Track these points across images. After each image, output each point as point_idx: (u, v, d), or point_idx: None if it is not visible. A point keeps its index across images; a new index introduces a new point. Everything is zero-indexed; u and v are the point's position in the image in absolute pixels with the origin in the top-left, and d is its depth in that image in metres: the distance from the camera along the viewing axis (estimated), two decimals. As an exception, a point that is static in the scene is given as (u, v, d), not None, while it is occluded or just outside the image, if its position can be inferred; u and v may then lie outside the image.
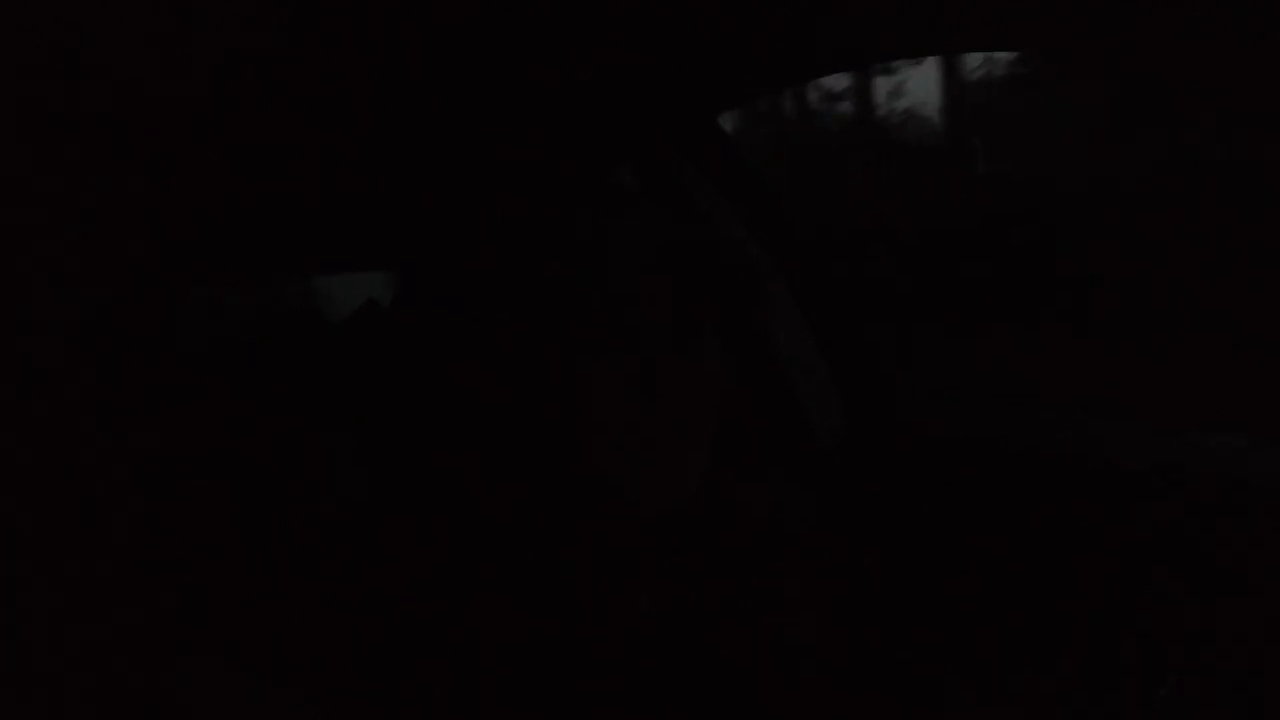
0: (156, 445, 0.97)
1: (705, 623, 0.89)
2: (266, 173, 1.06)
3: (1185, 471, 1.18)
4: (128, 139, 0.86)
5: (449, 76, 0.96)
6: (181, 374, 1.09)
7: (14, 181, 0.81)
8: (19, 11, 0.66)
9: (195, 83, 0.81)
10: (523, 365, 0.91)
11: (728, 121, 1.44)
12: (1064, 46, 1.04)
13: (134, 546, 0.91)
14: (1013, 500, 1.31)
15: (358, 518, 1.06)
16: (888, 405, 1.51)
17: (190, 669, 0.88)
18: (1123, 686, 1.09)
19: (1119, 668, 1.11)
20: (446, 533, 0.93)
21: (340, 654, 0.89)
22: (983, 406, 1.53)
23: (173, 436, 1.01)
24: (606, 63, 1.04)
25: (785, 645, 0.91)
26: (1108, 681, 1.11)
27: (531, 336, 0.89)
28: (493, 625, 0.88)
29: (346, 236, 1.35)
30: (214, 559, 0.98)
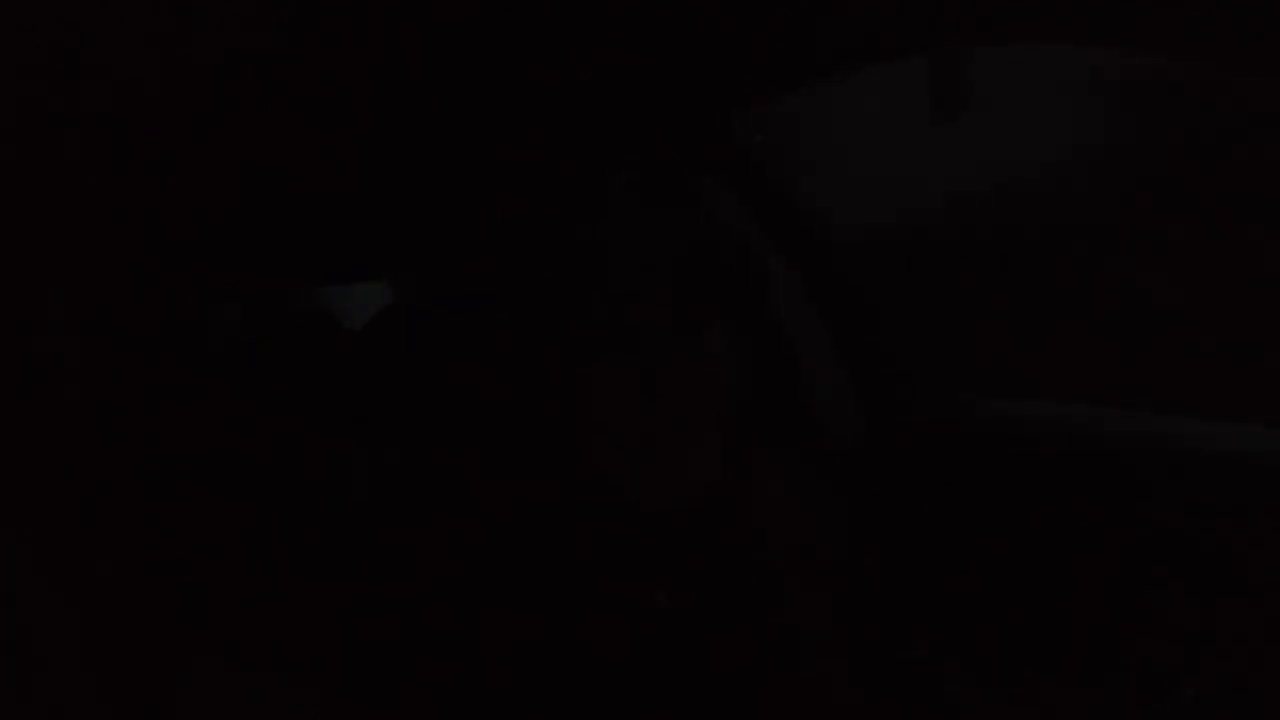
0: (159, 446, 0.98)
1: (707, 622, 0.89)
2: (266, 173, 1.06)
3: (1186, 471, 1.18)
4: (128, 139, 0.86)
5: (449, 77, 0.96)
6: (185, 375, 1.09)
7: (14, 181, 0.81)
8: (19, 11, 0.66)
9: (195, 83, 0.81)
10: (523, 366, 0.91)
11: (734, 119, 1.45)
12: (1064, 43, 1.04)
13: (135, 546, 0.91)
14: (1012, 500, 1.31)
15: (362, 519, 1.06)
16: (892, 405, 1.51)
17: (190, 669, 0.88)
18: (1123, 686, 1.09)
19: (1119, 667, 1.11)
20: (450, 533, 0.93)
21: (343, 655, 0.89)
22: (982, 406, 1.53)
23: (176, 437, 1.01)
24: (607, 63, 1.04)
25: (787, 645, 0.91)
26: (1107, 681, 1.11)
27: (532, 337, 0.89)
28: (495, 625, 0.88)
29: (346, 237, 1.35)
30: (216, 560, 0.98)
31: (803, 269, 1.48)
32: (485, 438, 1.02)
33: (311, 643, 0.91)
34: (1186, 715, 1.03)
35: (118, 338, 0.97)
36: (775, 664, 0.90)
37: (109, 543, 0.87)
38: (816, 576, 0.95)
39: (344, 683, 0.88)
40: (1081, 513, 1.23)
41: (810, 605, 0.93)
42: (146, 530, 0.92)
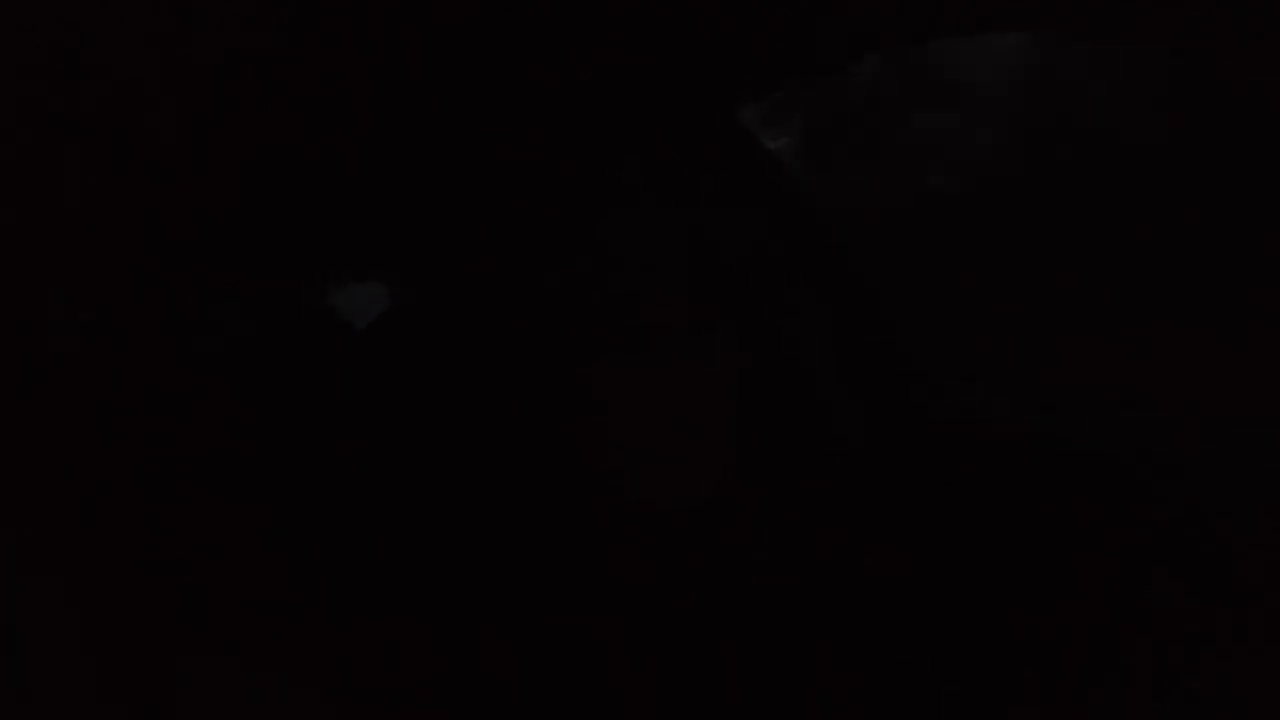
0: (159, 446, 0.97)
1: (707, 621, 0.89)
2: (265, 173, 1.06)
3: (1186, 471, 1.18)
4: (128, 139, 0.86)
5: (449, 77, 0.96)
6: (189, 374, 1.09)
7: (14, 181, 0.81)
8: (19, 11, 0.66)
9: (195, 83, 0.81)
10: (526, 365, 0.91)
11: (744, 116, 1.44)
12: (1064, 34, 1.04)
13: (135, 546, 0.91)
14: (1013, 500, 1.31)
15: (366, 518, 1.06)
16: (898, 406, 1.51)
17: (190, 669, 0.88)
18: (1123, 686, 1.09)
19: (1119, 667, 1.11)
20: (452, 533, 0.93)
21: (343, 655, 0.89)
22: (983, 406, 1.53)
23: (176, 437, 1.01)
24: (607, 62, 1.04)
25: (787, 644, 0.91)
26: (1107, 681, 1.11)
27: (535, 337, 0.89)
28: (496, 623, 0.88)
29: (347, 238, 1.35)
30: (216, 559, 0.98)
31: (812, 269, 1.48)
32: (488, 437, 1.02)
33: (311, 643, 0.91)
34: (1186, 715, 1.03)
35: (118, 338, 0.97)
36: (775, 663, 0.90)
37: (109, 543, 0.87)
38: (817, 577, 0.95)
39: (344, 683, 0.88)
40: (1081, 513, 1.23)
41: (811, 605, 0.93)
42: (146, 530, 0.92)
